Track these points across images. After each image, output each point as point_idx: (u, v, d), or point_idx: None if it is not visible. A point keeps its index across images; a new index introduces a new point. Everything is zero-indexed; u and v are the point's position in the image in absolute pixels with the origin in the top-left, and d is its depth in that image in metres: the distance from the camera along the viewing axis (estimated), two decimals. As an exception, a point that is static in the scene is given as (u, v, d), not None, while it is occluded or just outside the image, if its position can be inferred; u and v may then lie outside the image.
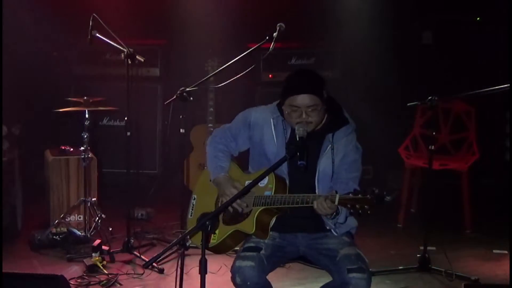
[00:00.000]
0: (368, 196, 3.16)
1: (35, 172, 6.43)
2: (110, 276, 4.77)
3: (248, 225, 3.50)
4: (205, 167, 3.87)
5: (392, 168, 6.79)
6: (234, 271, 3.42)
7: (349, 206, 3.21)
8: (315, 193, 3.49)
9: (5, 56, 5.49)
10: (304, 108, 3.47)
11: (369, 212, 3.16)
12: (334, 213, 3.38)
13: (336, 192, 3.28)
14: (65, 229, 5.41)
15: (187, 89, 5.09)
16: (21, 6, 6.42)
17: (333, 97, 3.65)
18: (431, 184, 5.25)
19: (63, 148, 5.86)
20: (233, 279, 3.43)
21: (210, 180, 3.73)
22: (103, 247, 5.08)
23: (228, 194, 3.58)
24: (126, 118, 5.26)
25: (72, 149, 5.80)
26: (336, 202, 3.24)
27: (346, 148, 3.58)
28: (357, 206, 3.18)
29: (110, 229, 5.51)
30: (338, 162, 3.56)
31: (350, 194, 3.23)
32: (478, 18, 7.14)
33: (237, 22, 6.99)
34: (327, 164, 3.55)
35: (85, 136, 5.38)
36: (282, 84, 3.59)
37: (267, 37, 4.51)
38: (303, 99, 3.46)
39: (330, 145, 3.57)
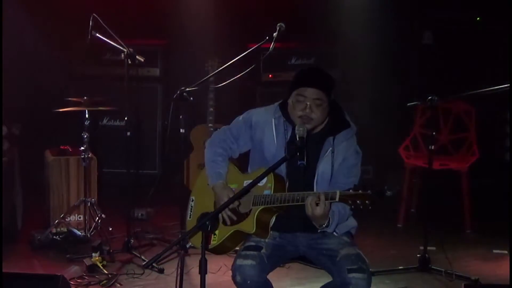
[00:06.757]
0: (368, 191, 3.19)
1: (35, 172, 6.42)
2: (110, 276, 4.77)
3: (249, 225, 3.49)
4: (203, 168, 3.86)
5: (392, 168, 6.78)
6: (235, 269, 3.42)
7: (350, 202, 3.23)
8: None
9: (5, 56, 5.48)
10: (310, 100, 3.50)
11: (370, 207, 3.19)
12: (327, 222, 3.38)
13: None
14: (65, 229, 5.43)
15: (187, 89, 5.09)
16: (21, 6, 6.41)
17: (334, 98, 3.64)
18: (431, 184, 5.25)
19: (63, 148, 5.85)
20: (233, 277, 3.43)
21: (208, 185, 3.73)
22: (103, 247, 5.08)
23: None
24: (126, 118, 5.27)
25: (72, 149, 5.80)
26: (337, 199, 3.26)
27: (346, 152, 3.58)
28: (358, 201, 3.20)
29: (110, 229, 5.51)
30: (337, 166, 3.56)
31: (350, 190, 3.25)
32: (478, 18, 7.14)
33: (237, 22, 6.98)
34: (326, 167, 3.55)
35: (85, 136, 5.38)
36: (293, 76, 3.61)
37: (267, 37, 4.52)
38: (312, 91, 3.50)
39: (330, 148, 3.57)
